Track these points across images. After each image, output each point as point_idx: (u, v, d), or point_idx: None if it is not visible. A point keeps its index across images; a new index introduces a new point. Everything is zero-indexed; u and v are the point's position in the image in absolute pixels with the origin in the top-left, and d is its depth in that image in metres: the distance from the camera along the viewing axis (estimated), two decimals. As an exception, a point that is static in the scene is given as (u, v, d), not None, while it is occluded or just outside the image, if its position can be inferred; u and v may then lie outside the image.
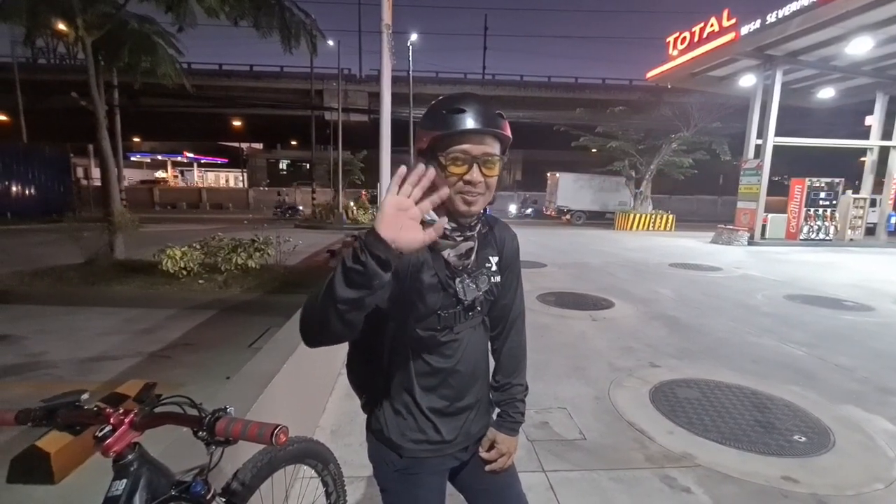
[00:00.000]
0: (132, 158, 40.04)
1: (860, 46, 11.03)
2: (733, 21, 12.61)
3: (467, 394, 1.10)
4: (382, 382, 1.08)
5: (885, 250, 13.08)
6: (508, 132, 0.95)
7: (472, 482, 1.19)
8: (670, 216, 20.13)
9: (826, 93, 15.03)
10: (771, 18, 11.56)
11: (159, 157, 43.94)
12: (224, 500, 1.02)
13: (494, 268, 1.08)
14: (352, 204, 20.87)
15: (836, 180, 13.95)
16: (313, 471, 1.45)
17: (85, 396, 0.90)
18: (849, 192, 14.25)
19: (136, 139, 37.56)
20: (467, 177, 0.92)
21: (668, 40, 14.99)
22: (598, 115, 21.65)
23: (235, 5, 6.49)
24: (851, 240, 14.02)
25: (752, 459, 2.44)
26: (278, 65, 32.16)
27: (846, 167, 14.99)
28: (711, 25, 13.31)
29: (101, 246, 7.18)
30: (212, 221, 18.00)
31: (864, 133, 14.82)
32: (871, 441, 2.66)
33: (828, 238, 13.88)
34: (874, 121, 14.47)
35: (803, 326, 5.06)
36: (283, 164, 48.40)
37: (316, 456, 1.42)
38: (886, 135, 14.28)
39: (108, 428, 0.82)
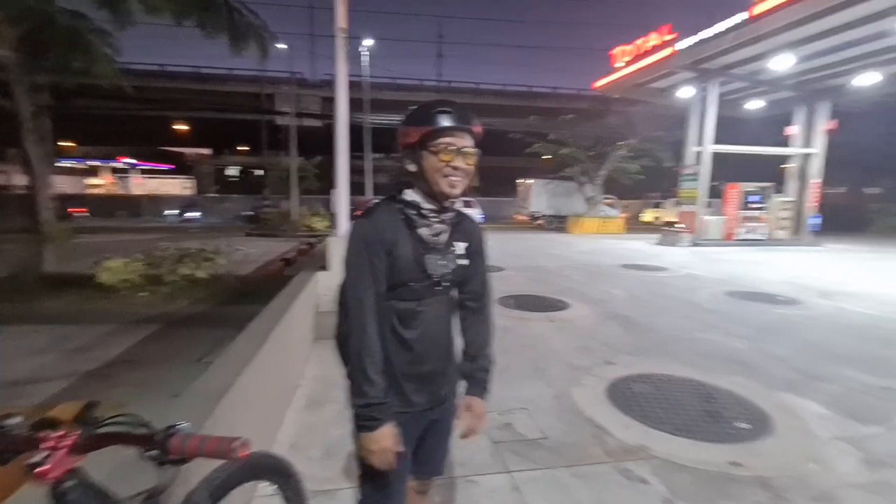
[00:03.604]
0: (61, 164, 37.07)
1: (783, 62, 12.04)
2: (673, 36, 13.45)
3: (434, 360, 1.28)
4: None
5: (809, 248, 14.28)
6: (480, 130, 1.20)
7: (424, 437, 1.36)
8: (620, 219, 21.07)
9: (755, 104, 16.28)
10: (706, 35, 12.42)
11: (90, 164, 40.79)
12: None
13: (462, 252, 1.28)
14: (307, 211, 20.37)
15: (767, 185, 15.11)
16: (273, 487, 1.38)
17: (15, 420, 0.81)
18: (777, 195, 15.45)
19: (69, 144, 34.85)
20: (453, 163, 1.15)
21: (612, 53, 15.75)
22: (551, 122, 22.35)
23: (179, 3, 6.18)
24: (781, 239, 15.20)
25: (702, 448, 2.57)
26: (226, 67, 30.95)
27: (775, 172, 16.23)
28: (653, 39, 14.13)
29: (27, 258, 6.58)
30: (154, 231, 16.98)
31: (788, 141, 16.17)
32: (805, 425, 2.88)
33: (760, 238, 14.98)
34: (795, 130, 15.82)
35: (743, 321, 5.41)
36: (232, 171, 46.50)
37: (275, 471, 1.35)
38: (807, 143, 15.64)
39: (44, 454, 0.74)
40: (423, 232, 1.21)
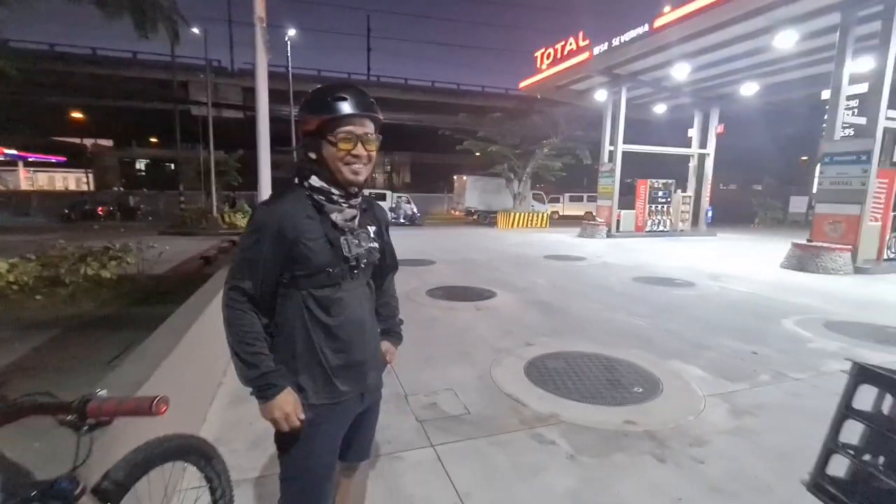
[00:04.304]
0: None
1: (681, 71, 13.37)
2: (587, 42, 14.40)
3: (360, 348, 1.29)
4: (288, 343, 1.22)
5: (705, 238, 16.05)
6: (381, 115, 1.21)
7: (354, 428, 1.39)
8: (545, 214, 22.22)
9: (660, 108, 17.91)
10: (616, 42, 13.45)
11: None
12: (96, 498, 0.97)
13: (373, 235, 1.32)
14: (227, 208, 19.25)
15: (670, 181, 16.71)
16: (196, 468, 1.41)
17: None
18: (679, 191, 17.16)
19: (-71, 131, 29.81)
20: (354, 151, 1.17)
21: (536, 55, 16.53)
22: (479, 120, 22.97)
23: None
24: (682, 230, 16.92)
25: (603, 411, 2.91)
26: (130, 50, 28.16)
27: (678, 170, 17.98)
28: (571, 44, 15.03)
29: None
30: (48, 231, 15.16)
31: (688, 142, 18.02)
32: (687, 385, 3.34)
33: (666, 229, 16.57)
34: (694, 133, 17.65)
35: (645, 302, 6.04)
36: (140, 165, 42.48)
37: (198, 452, 1.38)
38: (703, 144, 17.51)
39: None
40: (336, 217, 1.22)
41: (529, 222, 21.09)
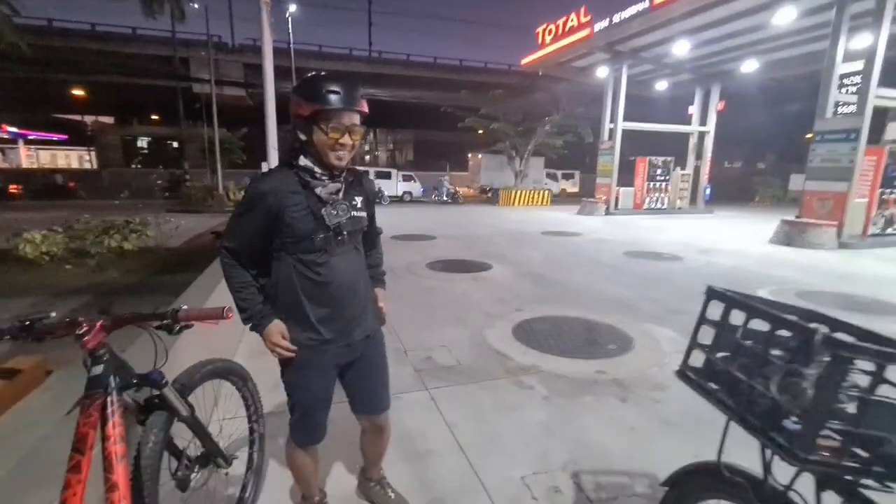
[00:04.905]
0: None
1: (681, 48, 13.38)
2: (588, 18, 14.34)
3: (348, 306, 1.50)
4: (281, 297, 1.47)
5: (702, 215, 16.29)
6: (366, 109, 1.38)
7: (354, 379, 1.64)
8: (546, 192, 22.42)
9: (661, 85, 17.88)
10: (617, 18, 13.42)
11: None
12: (174, 387, 1.35)
13: (360, 205, 1.51)
14: (232, 185, 19.51)
15: (669, 159, 16.85)
16: (234, 387, 1.79)
17: (53, 314, 1.16)
18: (678, 168, 17.31)
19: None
20: (341, 140, 1.35)
21: (537, 31, 16.45)
22: (482, 97, 22.93)
23: None
24: (680, 207, 17.14)
25: (578, 363, 3.29)
26: (129, 26, 27.89)
27: (679, 148, 18.05)
28: (572, 20, 14.97)
29: None
30: (54, 209, 15.51)
31: (689, 119, 18.04)
32: (657, 344, 3.72)
33: (663, 207, 16.80)
34: (694, 110, 17.67)
35: (633, 274, 6.40)
36: (142, 143, 42.50)
37: (236, 374, 1.76)
38: (703, 121, 17.55)
39: (86, 329, 1.11)
40: (319, 191, 1.39)
41: (531, 200, 21.31)
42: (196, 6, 20.55)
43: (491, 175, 25.27)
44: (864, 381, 0.93)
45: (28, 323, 1.13)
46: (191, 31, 24.20)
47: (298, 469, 1.67)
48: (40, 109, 34.64)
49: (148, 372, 1.25)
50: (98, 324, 1.14)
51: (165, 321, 1.16)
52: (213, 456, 1.53)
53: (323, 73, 1.38)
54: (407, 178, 23.92)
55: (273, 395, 2.74)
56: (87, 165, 39.55)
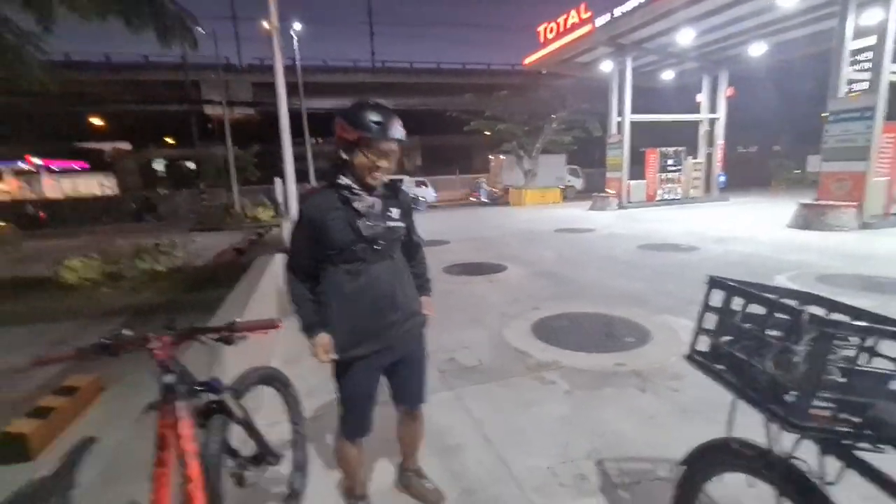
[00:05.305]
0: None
1: (686, 36, 13.32)
2: (589, 14, 14.39)
3: (387, 312, 1.63)
4: (328, 304, 1.62)
5: (718, 203, 16.11)
6: (404, 137, 1.56)
7: (396, 376, 1.79)
8: (557, 190, 22.39)
9: (667, 75, 17.77)
10: (618, 12, 13.44)
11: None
12: (231, 392, 1.50)
13: (396, 216, 1.65)
14: (248, 202, 19.96)
15: (680, 148, 16.72)
16: (277, 392, 1.94)
17: (127, 331, 1.33)
18: (690, 157, 17.15)
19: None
20: (379, 163, 1.53)
21: (538, 30, 16.54)
22: (486, 99, 23.00)
23: (106, 4, 6.09)
24: (694, 197, 16.98)
25: (597, 357, 3.39)
26: (141, 54, 28.79)
27: (690, 136, 17.86)
28: (573, 17, 15.02)
29: None
30: (95, 233, 16.08)
31: (698, 107, 17.87)
32: (675, 334, 3.79)
33: (677, 197, 16.66)
34: (703, 98, 17.50)
35: (647, 268, 6.43)
36: (159, 165, 43.58)
37: (279, 379, 1.92)
38: (712, 108, 17.37)
39: (158, 343, 1.28)
40: (357, 205, 1.55)
41: (542, 198, 21.30)
42: (204, 31, 21.17)
43: (513, 175, 25.24)
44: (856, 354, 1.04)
45: (108, 341, 1.29)
46: (200, 54, 24.84)
47: (346, 461, 1.81)
48: (62, 140, 35.86)
49: (209, 379, 1.41)
50: (167, 338, 1.30)
51: (224, 333, 1.32)
52: (264, 455, 1.68)
53: (370, 102, 1.54)
54: (419, 184, 24.11)
55: (308, 401, 2.91)
56: (107, 192, 40.67)
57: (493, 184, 26.86)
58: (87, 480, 1.21)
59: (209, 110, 25.46)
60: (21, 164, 37.54)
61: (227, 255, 8.72)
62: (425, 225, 3.58)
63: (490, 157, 27.29)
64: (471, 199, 22.95)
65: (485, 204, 21.94)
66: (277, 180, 7.03)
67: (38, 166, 39.88)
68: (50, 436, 2.27)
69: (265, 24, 5.07)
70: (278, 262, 4.91)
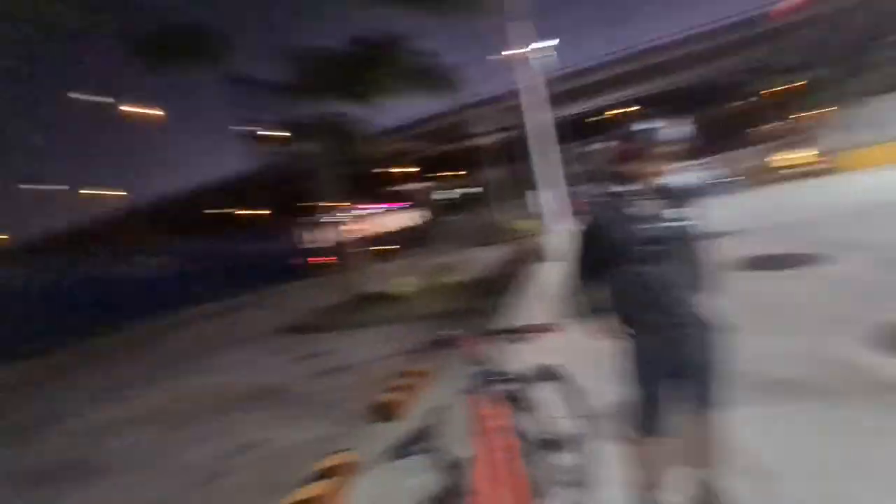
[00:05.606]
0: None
1: None
2: None
3: (673, 309, 1.67)
4: (618, 303, 1.74)
5: None
6: (675, 146, 1.66)
7: (684, 375, 1.73)
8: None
9: None
10: None
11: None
12: (523, 384, 1.81)
13: (672, 216, 1.66)
14: (511, 217, 21.65)
15: None
16: (560, 387, 2.14)
17: (457, 332, 1.80)
18: None
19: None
20: (651, 170, 1.65)
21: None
22: (779, 45, 18.25)
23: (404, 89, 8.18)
24: None
25: None
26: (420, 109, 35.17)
27: None
28: None
29: (345, 285, 9.26)
30: (409, 258, 20.80)
31: None
32: None
33: None
34: None
35: None
36: (439, 195, 51.93)
37: (561, 376, 2.13)
38: None
39: (468, 341, 1.70)
40: (632, 210, 1.65)
41: (887, 157, 15.18)
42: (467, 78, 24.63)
43: (832, 135, 19.22)
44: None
45: (437, 338, 1.81)
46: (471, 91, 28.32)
47: (640, 456, 1.84)
48: (379, 185, 47.74)
49: (505, 372, 1.76)
50: (475, 338, 1.71)
51: (515, 334, 1.64)
52: (552, 441, 1.91)
53: (635, 110, 1.69)
54: (705, 167, 20.79)
55: (589, 399, 3.01)
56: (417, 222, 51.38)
57: (802, 149, 20.79)
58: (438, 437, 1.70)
59: (481, 141, 29.37)
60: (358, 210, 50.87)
61: (496, 267, 9.93)
62: (718, 210, 3.21)
63: (800, 114, 21.22)
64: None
65: (786, 178, 17.28)
66: (529, 193, 7.60)
67: (378, 209, 53.80)
68: (406, 405, 3.23)
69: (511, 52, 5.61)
70: (548, 270, 5.28)
